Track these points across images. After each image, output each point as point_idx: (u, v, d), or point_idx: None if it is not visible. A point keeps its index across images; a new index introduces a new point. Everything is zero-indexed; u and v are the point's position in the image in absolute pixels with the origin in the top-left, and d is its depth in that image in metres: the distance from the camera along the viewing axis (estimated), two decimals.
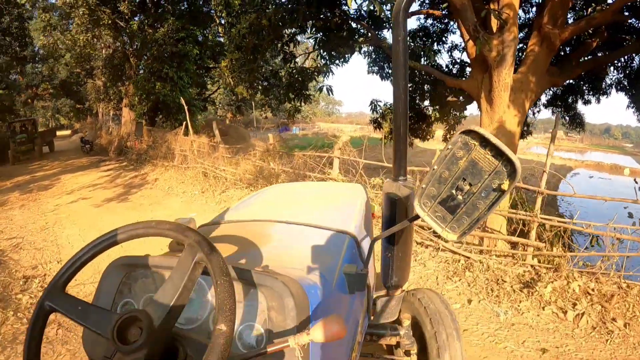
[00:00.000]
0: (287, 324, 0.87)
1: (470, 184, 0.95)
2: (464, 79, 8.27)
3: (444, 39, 9.88)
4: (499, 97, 5.31)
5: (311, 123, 47.68)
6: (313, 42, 7.52)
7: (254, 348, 0.90)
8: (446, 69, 10.22)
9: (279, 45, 8.87)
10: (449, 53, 11.45)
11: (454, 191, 0.98)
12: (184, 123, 9.86)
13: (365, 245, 1.67)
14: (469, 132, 0.95)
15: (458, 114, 11.04)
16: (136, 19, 14.20)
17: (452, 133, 11.22)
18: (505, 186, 0.90)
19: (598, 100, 9.49)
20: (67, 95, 27.40)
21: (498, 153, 0.90)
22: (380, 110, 10.17)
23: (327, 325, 0.77)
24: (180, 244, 0.84)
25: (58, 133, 36.99)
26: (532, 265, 4.23)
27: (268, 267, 1.08)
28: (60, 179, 10.46)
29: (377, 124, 10.31)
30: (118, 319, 0.74)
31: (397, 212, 1.36)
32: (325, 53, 8.47)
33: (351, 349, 1.23)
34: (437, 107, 10.63)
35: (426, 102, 10.80)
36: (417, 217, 1.09)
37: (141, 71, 14.74)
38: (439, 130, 13.36)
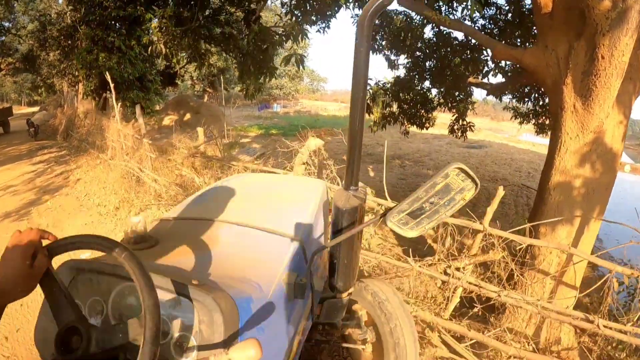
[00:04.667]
0: (215, 339, 0.90)
1: (440, 199, 1.10)
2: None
3: None
4: (604, 87, 2.70)
5: (294, 100, 44.45)
6: None
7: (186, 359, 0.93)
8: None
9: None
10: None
11: (424, 205, 1.11)
12: (119, 104, 7.63)
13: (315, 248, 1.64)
14: (456, 169, 1.06)
15: (467, 98, 8.74)
16: None
17: (460, 123, 8.85)
18: (466, 197, 1.08)
19: None
20: (33, 70, 24.83)
21: (468, 178, 1.06)
22: (371, 91, 7.98)
23: (244, 348, 0.76)
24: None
25: (28, 110, 34.48)
26: None
27: (207, 275, 1.12)
28: None
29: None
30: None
31: (344, 223, 1.30)
32: (296, 7, 6.20)
33: (288, 353, 1.26)
34: (443, 89, 8.36)
35: (427, 83, 8.50)
36: (372, 221, 1.26)
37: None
38: (442, 115, 11.16)
